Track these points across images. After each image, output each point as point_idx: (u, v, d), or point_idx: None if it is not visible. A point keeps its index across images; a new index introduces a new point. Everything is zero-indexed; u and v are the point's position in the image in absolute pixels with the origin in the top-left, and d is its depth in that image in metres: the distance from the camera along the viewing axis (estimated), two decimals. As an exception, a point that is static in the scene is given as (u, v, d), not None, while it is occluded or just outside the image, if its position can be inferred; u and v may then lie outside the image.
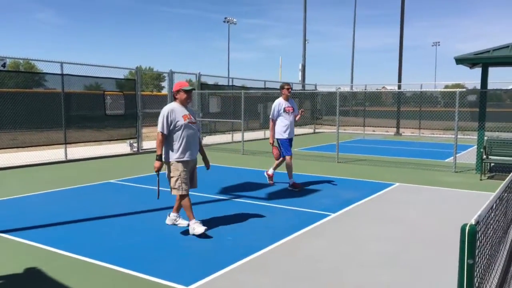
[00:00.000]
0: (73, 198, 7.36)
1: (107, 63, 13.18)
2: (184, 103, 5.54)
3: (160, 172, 5.35)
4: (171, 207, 6.69)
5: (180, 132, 5.35)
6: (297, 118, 8.32)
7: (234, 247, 4.90)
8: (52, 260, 4.47)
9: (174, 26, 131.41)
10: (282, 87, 8.27)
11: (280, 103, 8.12)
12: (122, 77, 14.19)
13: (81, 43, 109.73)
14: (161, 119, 5.36)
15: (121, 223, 5.86)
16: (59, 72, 11.55)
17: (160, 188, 5.52)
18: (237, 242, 5.09)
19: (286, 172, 8.10)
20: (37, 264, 4.36)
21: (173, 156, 5.36)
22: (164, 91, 38.21)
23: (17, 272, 4.19)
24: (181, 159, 5.36)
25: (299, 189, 7.93)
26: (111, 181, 8.89)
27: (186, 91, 5.51)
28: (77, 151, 12.60)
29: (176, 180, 5.37)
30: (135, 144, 13.88)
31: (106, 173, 9.74)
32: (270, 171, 8.44)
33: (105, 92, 13.15)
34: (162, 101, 18.69)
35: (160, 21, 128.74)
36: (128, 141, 13.88)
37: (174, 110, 5.44)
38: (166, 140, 5.37)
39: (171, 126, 5.35)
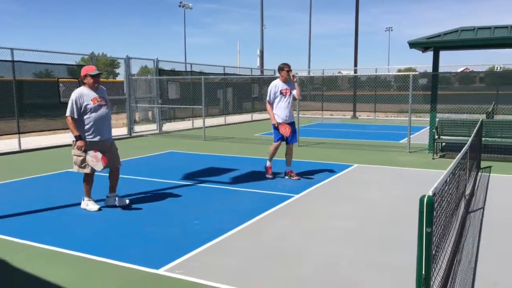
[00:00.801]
0: (31, 189, 7.15)
1: (59, 49, 12.67)
2: (92, 87, 5.75)
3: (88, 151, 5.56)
4: (135, 194, 6.66)
5: (89, 114, 5.66)
6: (297, 95, 7.61)
7: (201, 231, 4.96)
8: (18, 251, 4.37)
9: (128, 11, 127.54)
10: (281, 68, 7.58)
11: (276, 85, 7.57)
12: (74, 63, 13.73)
13: (31, 29, 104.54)
14: (70, 104, 5.63)
15: (85, 211, 5.77)
16: (9, 58, 11.03)
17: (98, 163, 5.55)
18: (203, 226, 5.15)
19: (255, 157, 8.19)
20: (2, 255, 4.25)
21: (84, 137, 5.65)
22: (120, 78, 37.23)
23: (-22, 264, 4.07)
24: (91, 140, 5.66)
25: (272, 176, 7.64)
26: (70, 170, 8.67)
27: (92, 76, 5.72)
28: (31, 141, 12.14)
29: (83, 160, 5.62)
30: (93, 133, 13.51)
31: (64, 162, 9.47)
32: (268, 163, 7.75)
33: (59, 79, 12.69)
34: (118, 87, 18.28)
35: (114, 6, 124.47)
36: (85, 129, 13.49)
37: (82, 94, 5.69)
38: (78, 123, 5.62)
39: (81, 110, 5.63)
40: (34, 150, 11.36)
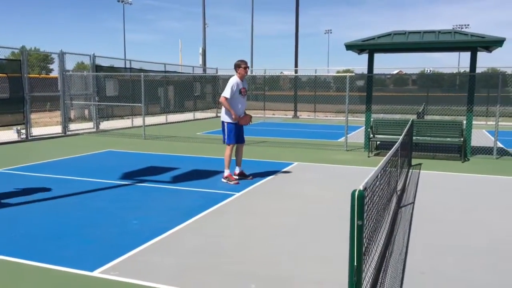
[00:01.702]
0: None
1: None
2: None
3: None
4: (70, 195, 6.38)
5: None
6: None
7: (140, 230, 4.85)
8: None
9: (63, 5, 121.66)
10: (238, 65, 7.27)
11: (237, 83, 7.22)
12: (3, 58, 12.88)
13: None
14: None
15: (13, 213, 5.44)
16: None
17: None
18: (143, 225, 5.04)
19: (197, 156, 8.08)
20: None
21: None
22: (54, 74, 35.42)
23: None
24: None
25: (234, 181, 7.21)
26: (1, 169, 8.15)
27: None
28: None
29: None
30: (23, 131, 12.78)
31: (-10, 163, 8.88)
32: (227, 172, 7.31)
33: (-15, 74, 11.87)
34: (52, 83, 17.39)
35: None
36: (15, 127, 12.74)
37: None
38: None
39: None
40: (-43, 150, 10.53)
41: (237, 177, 7.39)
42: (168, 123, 19.12)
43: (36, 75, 29.19)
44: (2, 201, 5.98)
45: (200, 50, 27.08)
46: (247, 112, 7.66)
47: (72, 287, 3.51)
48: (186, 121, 20.33)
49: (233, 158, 7.55)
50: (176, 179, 7.48)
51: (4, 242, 4.45)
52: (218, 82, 24.19)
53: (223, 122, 7.40)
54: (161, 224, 5.06)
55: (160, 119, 19.41)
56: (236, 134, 7.35)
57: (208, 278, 3.67)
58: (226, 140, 7.38)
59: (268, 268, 3.89)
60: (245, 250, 4.32)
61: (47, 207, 5.78)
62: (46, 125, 16.28)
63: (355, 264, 2.49)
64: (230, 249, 4.35)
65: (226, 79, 27.64)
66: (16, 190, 6.67)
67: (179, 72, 22.32)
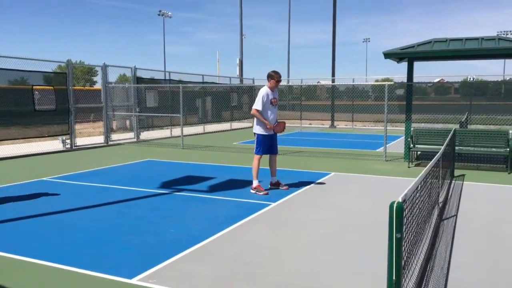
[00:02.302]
0: (2, 198, 6.95)
1: (35, 57, 12.51)
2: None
3: None
4: (110, 203, 6.56)
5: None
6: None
7: (176, 239, 4.91)
8: (-17, 262, 4.24)
9: (105, 19, 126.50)
10: (271, 76, 7.24)
11: (268, 93, 7.19)
12: (50, 71, 13.49)
13: (5, 36, 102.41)
14: None
15: (57, 221, 5.65)
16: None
17: None
18: (179, 234, 5.10)
19: (239, 166, 8.13)
20: (-34, 266, 4.12)
21: None
22: (98, 86, 36.77)
23: None
24: None
25: (261, 192, 7.14)
26: (44, 178, 8.50)
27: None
28: (4, 149, 11.85)
29: None
30: (68, 141, 13.30)
31: (38, 171, 9.28)
32: (255, 183, 7.27)
33: (34, 87, 12.45)
34: (96, 95, 18.06)
35: (90, 14, 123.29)
36: (60, 137, 13.27)
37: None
38: None
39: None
40: (7, 159, 11.08)
41: (265, 190, 7.23)
42: (206, 133, 19.38)
43: (81, 87, 30.43)
44: (48, 208, 6.22)
45: (237, 61, 27.37)
46: (280, 120, 7.64)
47: (111, 293, 3.60)
48: (223, 131, 20.55)
49: (268, 168, 7.59)
50: (213, 189, 7.54)
51: (49, 248, 4.62)
52: (254, 92, 24.33)
53: (255, 133, 7.43)
54: (197, 232, 5.11)
55: (198, 129, 19.71)
56: (267, 145, 7.38)
57: (244, 289, 3.67)
58: (255, 151, 7.40)
59: (304, 280, 3.84)
60: (281, 261, 4.29)
61: (89, 214, 5.96)
62: (89, 135, 16.88)
63: (394, 278, 2.43)
64: (266, 259, 4.33)
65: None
66: (61, 198, 6.92)
67: (216, 83, 22.64)
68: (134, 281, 3.79)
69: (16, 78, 12.73)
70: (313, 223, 5.57)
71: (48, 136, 13.08)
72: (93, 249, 4.61)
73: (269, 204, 6.45)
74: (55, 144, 13.31)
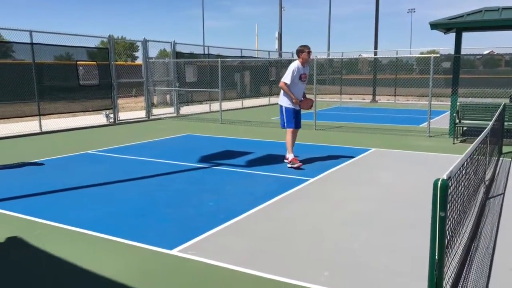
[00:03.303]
0: (51, 169, 7.28)
1: (77, 32, 12.82)
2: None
3: None
4: (152, 176, 6.73)
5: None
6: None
7: (215, 212, 4.98)
8: (33, 229, 4.47)
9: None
10: (301, 51, 7.17)
11: (298, 68, 7.14)
12: (93, 46, 13.79)
13: (50, 13, 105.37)
14: None
15: (101, 192, 5.85)
16: (28, 41, 11.16)
17: None
18: (218, 207, 5.17)
19: (280, 141, 8.06)
20: (18, 233, 4.35)
21: None
22: (138, 61, 37.37)
23: (-2, 242, 4.18)
24: None
25: (296, 165, 7.10)
26: (89, 151, 8.80)
27: None
28: (51, 123, 12.35)
29: None
30: (111, 115, 13.68)
31: (83, 144, 9.62)
32: (290, 156, 7.26)
33: (78, 62, 12.81)
34: (137, 70, 18.35)
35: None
36: (104, 112, 13.67)
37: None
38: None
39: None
40: (54, 132, 11.55)
41: (300, 163, 7.16)
42: (244, 108, 19.40)
43: (123, 63, 31.03)
44: (93, 180, 6.45)
45: (276, 35, 26.99)
46: (308, 97, 7.56)
47: (153, 263, 3.71)
48: (262, 106, 20.49)
49: (300, 142, 7.62)
50: (251, 163, 7.57)
51: (92, 218, 4.81)
52: (294, 66, 24.01)
53: (281, 106, 7.36)
54: (236, 207, 5.16)
55: (236, 104, 19.74)
56: (295, 118, 7.31)
57: (281, 263, 3.68)
58: (286, 125, 7.35)
59: (341, 256, 3.81)
60: (317, 237, 4.27)
61: (132, 187, 6.14)
62: (131, 110, 17.28)
63: (436, 257, 2.35)
64: (304, 235, 4.32)
65: (302, 63, 27.12)
66: (105, 170, 7.16)
67: (255, 57, 22.48)
68: (175, 252, 3.89)
69: (61, 54, 13.12)
70: (351, 199, 5.50)
71: (92, 111, 13.50)
72: (135, 220, 4.76)
73: (308, 180, 6.41)
74: (99, 118, 13.73)
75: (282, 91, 7.30)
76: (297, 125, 7.42)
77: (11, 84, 11.04)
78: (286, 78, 7.14)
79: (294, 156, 7.27)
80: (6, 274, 3.53)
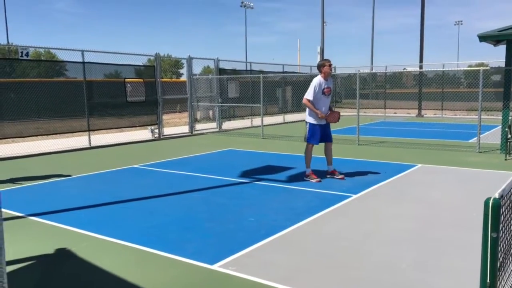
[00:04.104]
0: (99, 183, 7.54)
1: (125, 50, 13.44)
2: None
3: None
4: (194, 190, 6.82)
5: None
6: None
7: (256, 228, 4.97)
8: (80, 241, 4.62)
9: (189, 12, 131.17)
10: (322, 65, 7.28)
11: (320, 83, 7.21)
12: (141, 64, 14.33)
13: (98, 32, 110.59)
14: None
15: (145, 206, 5.99)
16: (80, 60, 11.73)
17: None
18: (259, 222, 5.16)
19: (323, 157, 7.96)
20: (66, 245, 4.52)
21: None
22: (183, 78, 38.38)
23: (47, 252, 4.35)
24: None
25: (315, 179, 7.23)
26: (135, 166, 9.06)
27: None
28: (100, 138, 12.85)
29: None
30: (156, 130, 14.06)
31: (129, 159, 9.92)
32: (308, 171, 7.40)
33: (126, 80, 13.31)
34: (182, 87, 18.84)
35: (175, 8, 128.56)
36: (149, 127, 14.07)
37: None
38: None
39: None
40: (103, 147, 11.99)
41: (317, 177, 7.28)
42: (285, 122, 19.40)
43: (168, 80, 31.96)
44: (138, 194, 6.62)
45: (318, 49, 26.95)
46: (335, 110, 7.70)
47: (195, 277, 3.73)
48: (303, 120, 20.33)
49: (323, 156, 7.66)
50: (292, 179, 7.52)
51: (137, 231, 4.92)
52: (336, 80, 23.86)
53: (306, 122, 7.46)
54: (277, 222, 5.13)
55: (278, 119, 19.78)
56: (320, 134, 7.38)
57: (324, 282, 3.61)
58: (308, 140, 7.42)
59: (385, 276, 3.68)
60: (362, 255, 4.16)
61: (175, 201, 6.25)
62: (175, 125, 17.70)
63: (488, 280, 2.22)
64: (347, 252, 4.22)
65: (344, 77, 27.15)
66: (149, 184, 7.34)
67: (296, 72, 22.51)
68: (215, 267, 3.90)
69: (110, 72, 13.70)
70: (396, 216, 5.33)
71: (138, 126, 13.93)
72: (177, 234, 4.82)
73: (350, 196, 6.29)
74: (144, 134, 14.14)
75: (307, 109, 7.37)
76: (325, 140, 7.51)
77: (63, 101, 11.63)
78: (309, 94, 7.23)
79: (311, 170, 7.39)
80: (53, 285, 3.65)
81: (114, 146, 12.25)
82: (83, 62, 11.76)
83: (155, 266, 3.97)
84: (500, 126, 10.30)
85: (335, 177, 7.46)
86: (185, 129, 15.85)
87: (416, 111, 21.87)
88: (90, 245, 4.53)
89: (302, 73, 23.01)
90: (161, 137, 14.05)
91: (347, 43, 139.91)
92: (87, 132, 12.03)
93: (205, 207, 5.89)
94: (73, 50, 11.73)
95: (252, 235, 4.72)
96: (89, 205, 6.06)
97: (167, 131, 14.89)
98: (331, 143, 7.64)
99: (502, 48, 10.01)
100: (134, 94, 13.92)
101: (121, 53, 13.09)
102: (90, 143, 12.01)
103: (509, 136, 9.42)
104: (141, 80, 13.95)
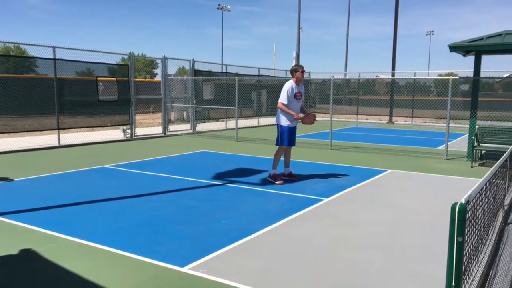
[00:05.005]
0: (67, 183, 7.36)
1: (99, 49, 13.15)
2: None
3: None
4: (165, 192, 6.74)
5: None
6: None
7: (228, 230, 4.94)
8: (47, 242, 4.49)
9: (167, 13, 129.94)
10: (295, 70, 7.44)
11: (292, 87, 7.38)
12: (114, 63, 14.10)
13: (72, 29, 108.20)
14: None
15: (115, 207, 5.88)
16: (51, 57, 11.44)
17: None
18: (231, 225, 5.14)
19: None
20: (32, 245, 4.38)
21: None
22: (158, 78, 37.97)
23: (12, 253, 4.21)
24: None
25: (279, 181, 7.36)
26: (105, 166, 8.89)
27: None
28: (70, 137, 12.54)
29: None
30: (129, 131, 13.84)
31: (99, 158, 9.73)
32: (274, 172, 7.54)
33: (98, 78, 13.05)
34: (156, 87, 18.62)
35: (152, 8, 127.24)
36: (121, 127, 13.84)
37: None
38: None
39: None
40: (73, 146, 11.71)
41: (281, 180, 7.47)
42: (260, 126, 19.44)
43: (142, 79, 31.53)
44: (107, 194, 6.49)
45: (294, 54, 27.16)
46: (310, 112, 7.96)
47: (164, 280, 3.68)
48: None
49: (282, 159, 7.81)
50: (265, 182, 7.54)
51: (105, 233, 4.82)
52: (310, 85, 24.08)
53: (277, 124, 7.62)
54: (248, 225, 5.12)
55: (252, 122, 19.80)
56: (289, 136, 7.54)
57: (293, 284, 3.62)
58: (278, 142, 7.61)
59: (353, 280, 3.72)
60: (331, 259, 4.19)
61: (145, 202, 6.15)
62: (148, 125, 17.47)
63: (453, 284, 2.28)
64: (316, 256, 4.25)
65: (318, 83, 27.35)
66: (119, 185, 7.21)
67: (272, 76, 22.61)
68: (186, 269, 3.86)
69: (83, 70, 13.41)
70: (366, 221, 5.41)
71: (110, 126, 13.69)
72: (148, 235, 4.75)
73: (322, 200, 6.35)
74: (116, 133, 13.90)
75: (278, 111, 7.56)
76: (290, 143, 7.68)
77: (32, 98, 11.29)
78: (283, 98, 7.40)
79: (277, 173, 7.56)
80: (15, 287, 3.53)
81: (84, 145, 11.99)
82: (54, 59, 11.48)
83: (124, 268, 3.90)
84: (467, 134, 10.62)
85: (293, 178, 7.69)
86: (158, 130, 15.67)
87: (388, 117, 22.31)
88: (57, 246, 4.41)
89: (278, 77, 23.12)
90: (133, 137, 13.84)
91: (322, 49, 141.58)
92: (57, 130, 11.72)
93: (177, 209, 5.83)
94: (44, 46, 11.41)
95: (224, 237, 4.70)
96: (56, 205, 5.91)
97: (139, 131, 14.68)
98: (293, 146, 7.87)
99: (471, 59, 10.33)
100: (107, 93, 13.67)
101: (94, 51, 12.84)
102: (59, 142, 11.72)
103: (476, 144, 9.72)
104: (114, 79, 13.71)
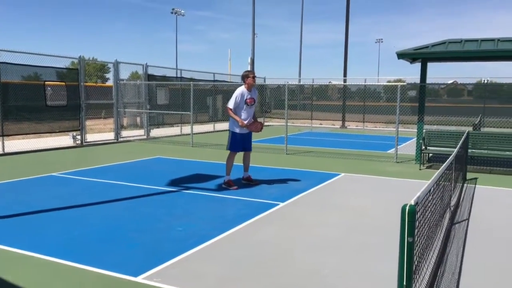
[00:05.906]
0: (12, 192, 6.99)
1: (48, 52, 12.62)
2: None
3: None
4: (119, 199, 6.55)
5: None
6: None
7: (184, 237, 4.87)
8: (-10, 256, 4.24)
9: (119, 16, 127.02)
10: (246, 76, 7.43)
11: (243, 93, 7.37)
12: (63, 67, 13.56)
13: (19, 32, 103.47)
14: None
15: (65, 216, 5.64)
16: (-6, 60, 10.87)
17: None
18: (187, 232, 5.06)
19: (241, 164, 8.04)
20: (-27, 260, 4.12)
21: None
22: (109, 83, 36.97)
23: (-50, 269, 3.93)
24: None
25: (233, 187, 7.40)
26: (54, 174, 8.53)
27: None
28: (15, 144, 11.94)
29: None
30: (79, 137, 13.37)
31: (48, 166, 9.32)
32: (227, 178, 7.54)
33: (46, 82, 12.53)
34: (107, 92, 18.13)
35: (103, 11, 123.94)
36: (71, 133, 13.34)
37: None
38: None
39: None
40: (18, 154, 11.16)
41: (235, 185, 7.47)
42: (216, 131, 19.36)
43: (93, 84, 30.62)
44: (56, 203, 6.22)
45: (249, 60, 27.30)
46: (258, 121, 7.93)
47: (116, 291, 3.56)
48: (234, 129, 20.46)
49: (241, 164, 7.89)
50: (222, 187, 7.50)
51: (55, 243, 4.61)
52: (266, 91, 24.29)
53: (229, 130, 7.63)
54: (205, 231, 5.06)
55: (208, 127, 19.69)
56: (240, 142, 7.57)
57: (250, 289, 3.61)
58: (229, 147, 7.61)
59: (309, 282, 3.77)
60: (288, 262, 4.22)
61: (97, 210, 5.95)
62: (100, 131, 16.95)
63: (404, 283, 2.35)
64: (273, 260, 4.27)
65: (273, 88, 27.66)
66: (70, 193, 6.93)
67: (227, 81, 22.61)
68: (139, 279, 3.75)
69: (29, 74, 12.82)
70: (321, 224, 5.50)
71: (59, 132, 13.16)
72: (100, 245, 4.59)
73: (278, 204, 6.39)
74: (65, 140, 13.38)
75: (230, 117, 7.56)
76: (245, 148, 7.72)
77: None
78: (230, 103, 7.43)
79: (231, 178, 7.53)
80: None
81: (31, 152, 11.45)
82: (-2, 62, 10.91)
83: (73, 280, 3.74)
84: (416, 138, 11.06)
85: (251, 183, 7.71)
86: (110, 135, 15.23)
87: (340, 122, 22.87)
88: (0, 258, 4.17)
89: (233, 82, 23.14)
90: (84, 143, 13.38)
91: (277, 55, 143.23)
92: (0, 137, 11.13)
93: (130, 217, 5.68)
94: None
95: (180, 244, 4.62)
96: (0, 216, 5.59)
97: (90, 137, 14.20)
98: (250, 151, 7.87)
99: (418, 66, 10.79)
100: (55, 98, 13.13)
101: (42, 54, 12.31)
102: (3, 149, 11.13)
103: (423, 147, 10.14)
104: (63, 83, 13.20)
